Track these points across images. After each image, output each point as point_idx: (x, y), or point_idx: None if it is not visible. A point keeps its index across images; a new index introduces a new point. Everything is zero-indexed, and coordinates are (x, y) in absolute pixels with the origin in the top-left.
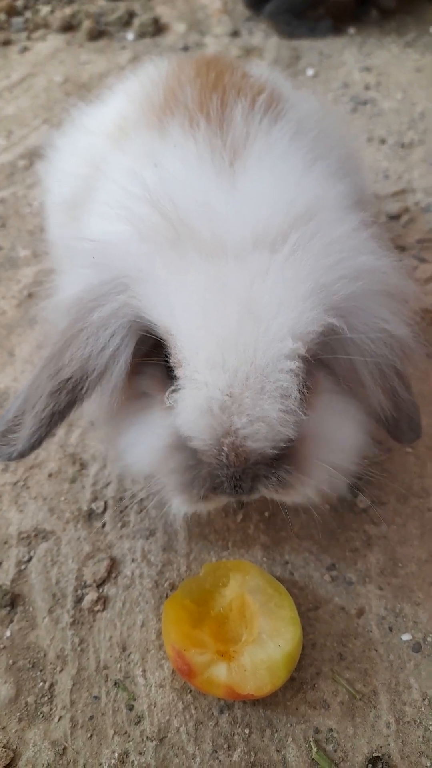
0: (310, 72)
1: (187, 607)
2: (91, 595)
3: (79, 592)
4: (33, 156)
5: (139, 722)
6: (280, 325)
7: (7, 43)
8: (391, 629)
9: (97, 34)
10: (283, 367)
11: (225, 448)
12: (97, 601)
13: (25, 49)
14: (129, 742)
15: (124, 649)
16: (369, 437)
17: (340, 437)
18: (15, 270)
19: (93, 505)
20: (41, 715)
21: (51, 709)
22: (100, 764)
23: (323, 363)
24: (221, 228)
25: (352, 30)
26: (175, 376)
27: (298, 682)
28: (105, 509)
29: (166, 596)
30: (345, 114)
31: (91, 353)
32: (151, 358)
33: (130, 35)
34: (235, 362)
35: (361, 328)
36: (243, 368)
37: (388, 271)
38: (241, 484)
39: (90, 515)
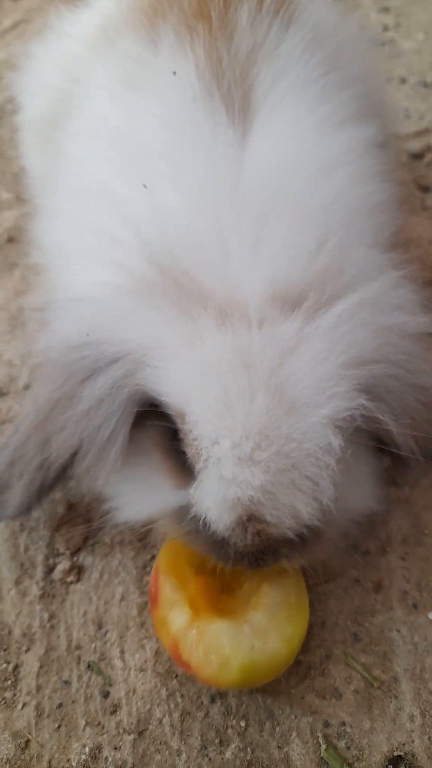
0: None
1: (192, 555)
2: (63, 565)
3: (51, 560)
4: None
5: (115, 711)
6: (318, 415)
7: None
8: (415, 606)
9: None
10: (319, 463)
11: (249, 535)
12: (70, 571)
13: None
14: (103, 734)
15: (99, 626)
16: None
17: (360, 500)
18: None
19: None
20: (2, 702)
21: (14, 695)
22: (69, 760)
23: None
24: (236, 282)
25: None
26: (187, 458)
27: (304, 667)
28: None
29: (150, 567)
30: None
31: (84, 433)
32: (150, 420)
33: None
34: (265, 456)
35: (387, 394)
36: (275, 463)
37: (423, 324)
38: (261, 560)
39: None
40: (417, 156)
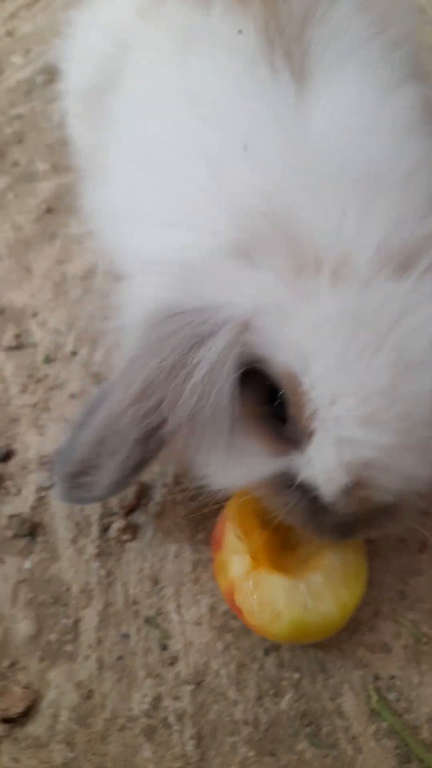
0: None
1: (260, 509)
2: (118, 524)
3: (105, 520)
4: (52, 72)
5: (173, 663)
6: None
7: None
8: None
9: None
10: None
11: (354, 501)
12: (125, 530)
13: None
14: (162, 685)
15: (156, 582)
16: None
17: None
18: (33, 184)
19: None
20: (65, 655)
21: (75, 648)
22: (131, 709)
23: None
24: (348, 242)
25: None
26: (288, 422)
27: (354, 623)
28: None
29: (203, 526)
30: None
31: (196, 400)
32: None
33: None
34: (388, 417)
35: None
36: (397, 424)
37: None
38: (355, 530)
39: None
40: None
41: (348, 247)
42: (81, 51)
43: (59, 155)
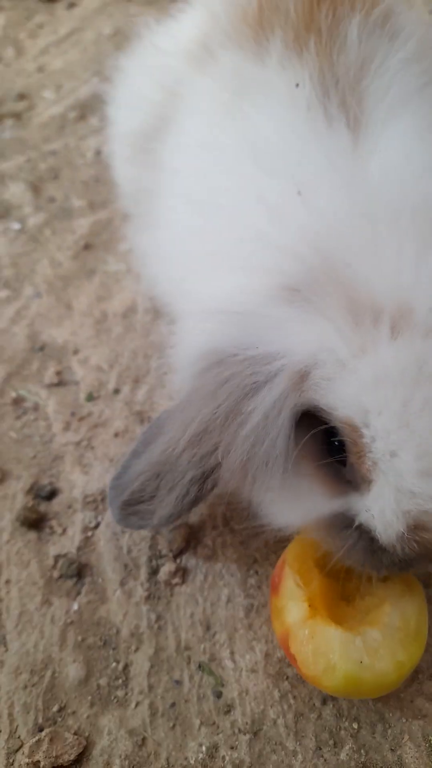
0: None
1: (320, 554)
2: (168, 567)
3: (154, 562)
4: (84, 108)
5: (229, 711)
6: None
7: (53, 0)
8: None
9: None
10: None
11: (412, 543)
12: (175, 573)
13: (71, 5)
14: (218, 734)
15: (208, 627)
16: None
17: None
18: (70, 221)
19: None
20: (115, 700)
21: (126, 694)
22: (186, 758)
23: None
24: (406, 291)
25: None
26: (347, 467)
27: (413, 672)
28: None
29: (254, 570)
30: None
31: (252, 449)
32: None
33: None
34: None
35: None
36: None
37: None
38: (412, 566)
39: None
40: None
41: (407, 296)
42: (129, 96)
43: (95, 192)
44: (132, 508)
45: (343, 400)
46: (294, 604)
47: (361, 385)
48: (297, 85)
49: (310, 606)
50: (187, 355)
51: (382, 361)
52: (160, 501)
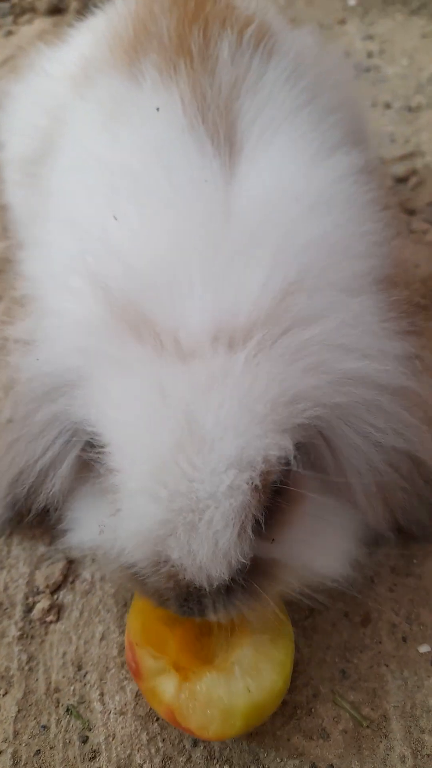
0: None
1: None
2: (42, 603)
3: (30, 599)
4: None
5: (94, 758)
6: (224, 452)
7: None
8: (405, 639)
9: (86, 14)
10: (222, 502)
11: (164, 577)
12: (49, 610)
13: (9, 33)
14: None
15: (79, 668)
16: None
17: (321, 554)
18: None
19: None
20: None
21: None
22: None
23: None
24: (180, 316)
25: (352, 1)
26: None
27: (290, 707)
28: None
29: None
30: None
31: (30, 459)
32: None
33: None
34: (169, 491)
35: (345, 447)
36: (178, 500)
37: (390, 375)
38: (188, 607)
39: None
40: (402, 179)
41: (178, 321)
42: (17, 122)
43: (6, 219)
44: None
45: (96, 416)
46: (162, 679)
47: (107, 402)
48: (158, 109)
49: (175, 668)
50: (18, 374)
51: (130, 380)
52: None
